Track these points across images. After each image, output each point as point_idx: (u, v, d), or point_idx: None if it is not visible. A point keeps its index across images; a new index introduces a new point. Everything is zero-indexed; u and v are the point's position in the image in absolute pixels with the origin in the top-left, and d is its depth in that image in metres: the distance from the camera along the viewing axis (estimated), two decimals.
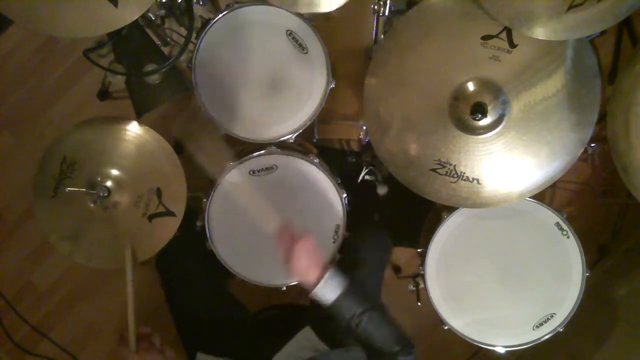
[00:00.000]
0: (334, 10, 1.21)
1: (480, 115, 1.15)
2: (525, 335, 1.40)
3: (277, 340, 1.24)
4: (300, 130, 1.40)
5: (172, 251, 1.36)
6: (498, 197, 1.26)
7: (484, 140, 1.22)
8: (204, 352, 1.23)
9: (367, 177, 1.86)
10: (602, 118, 1.19)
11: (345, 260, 1.45)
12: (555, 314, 1.39)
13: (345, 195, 1.41)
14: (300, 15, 1.29)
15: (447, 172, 1.25)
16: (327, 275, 1.05)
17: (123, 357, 1.04)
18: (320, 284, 1.04)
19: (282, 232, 1.09)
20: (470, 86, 1.20)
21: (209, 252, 1.41)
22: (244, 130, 1.40)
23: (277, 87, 1.38)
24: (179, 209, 1.26)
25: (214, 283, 1.44)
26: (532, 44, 1.16)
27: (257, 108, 1.39)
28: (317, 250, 1.07)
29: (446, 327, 1.41)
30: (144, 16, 1.38)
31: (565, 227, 1.36)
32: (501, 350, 1.42)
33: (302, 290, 1.32)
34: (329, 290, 1.04)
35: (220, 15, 1.31)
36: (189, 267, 1.42)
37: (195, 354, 1.23)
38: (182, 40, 1.31)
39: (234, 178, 1.38)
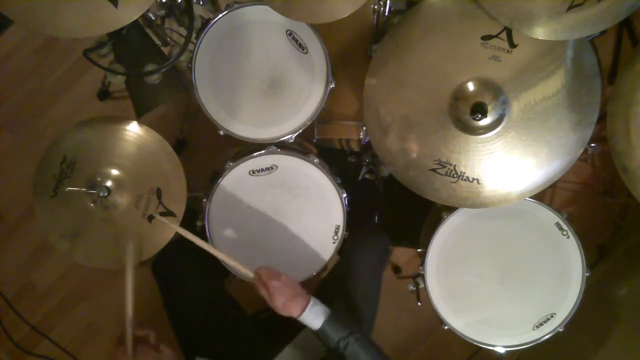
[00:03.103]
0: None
1: (480, 115, 1.15)
2: (525, 335, 1.40)
3: (277, 342, 1.24)
4: (300, 130, 1.40)
5: (168, 256, 1.36)
6: (498, 197, 1.26)
7: (484, 140, 1.22)
8: (202, 355, 1.23)
9: (367, 175, 1.86)
10: (602, 118, 1.19)
11: (345, 260, 1.45)
12: (555, 314, 1.39)
13: (345, 195, 1.41)
14: None
15: (447, 172, 1.25)
16: (310, 304, 1.11)
17: None
18: (304, 313, 1.10)
19: (257, 280, 1.15)
20: (470, 86, 1.20)
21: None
22: (244, 130, 1.40)
23: (277, 87, 1.38)
24: (179, 209, 1.26)
25: (211, 285, 1.44)
26: (532, 44, 1.16)
27: (257, 108, 1.39)
28: (292, 284, 1.13)
29: (446, 327, 1.41)
30: (144, 16, 1.38)
31: (565, 227, 1.36)
32: (501, 350, 1.42)
33: None
34: (313, 317, 1.11)
35: (220, 15, 1.31)
36: (185, 271, 1.41)
37: (194, 358, 1.23)
38: (182, 40, 1.31)
39: (234, 178, 1.38)
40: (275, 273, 1.13)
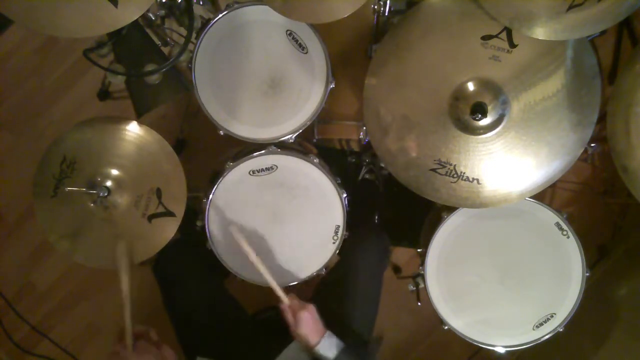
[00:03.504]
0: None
1: (480, 115, 1.15)
2: (525, 335, 1.40)
3: (277, 342, 1.24)
4: (300, 130, 1.40)
5: (168, 256, 1.36)
6: (498, 197, 1.26)
7: (484, 140, 1.22)
8: (203, 355, 1.23)
9: (367, 175, 1.86)
10: (602, 118, 1.19)
11: (345, 260, 1.45)
12: (555, 314, 1.39)
13: (345, 195, 1.41)
14: None
15: (447, 172, 1.25)
16: (325, 336, 1.18)
17: (122, 357, 1.04)
18: (320, 343, 1.17)
19: (288, 307, 1.22)
20: (470, 86, 1.20)
21: (209, 252, 1.41)
22: (244, 130, 1.40)
23: (277, 87, 1.38)
24: (179, 209, 1.26)
25: (211, 285, 1.44)
26: (532, 44, 1.16)
27: (257, 108, 1.39)
28: (316, 316, 1.20)
29: (446, 327, 1.41)
30: (144, 16, 1.38)
31: (565, 227, 1.36)
32: (501, 350, 1.42)
33: (301, 291, 1.33)
34: (327, 348, 1.16)
35: (220, 15, 1.31)
36: (185, 271, 1.41)
37: (194, 358, 1.23)
38: (182, 40, 1.31)
39: (234, 178, 1.38)
40: (303, 304, 1.21)
